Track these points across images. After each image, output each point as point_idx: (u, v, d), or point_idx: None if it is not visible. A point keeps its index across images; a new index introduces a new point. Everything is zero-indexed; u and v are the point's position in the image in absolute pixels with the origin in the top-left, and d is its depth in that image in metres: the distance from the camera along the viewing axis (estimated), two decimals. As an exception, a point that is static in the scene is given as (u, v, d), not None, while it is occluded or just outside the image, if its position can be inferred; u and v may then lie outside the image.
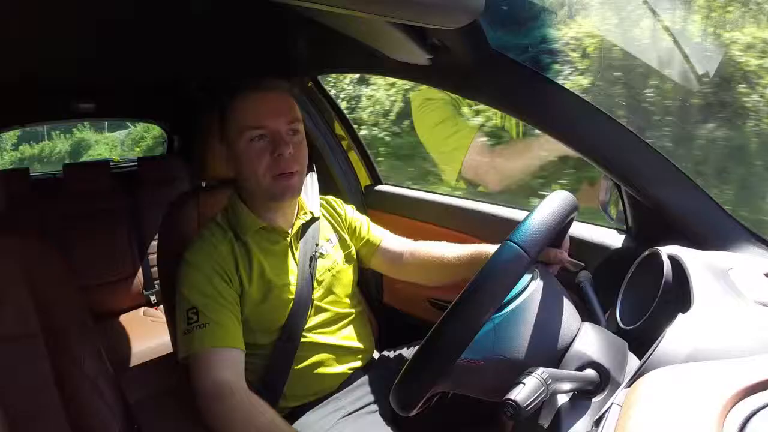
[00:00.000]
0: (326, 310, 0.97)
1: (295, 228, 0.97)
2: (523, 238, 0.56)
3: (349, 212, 1.12)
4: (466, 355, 0.55)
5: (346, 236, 1.08)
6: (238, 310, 0.88)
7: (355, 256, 1.08)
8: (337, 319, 0.98)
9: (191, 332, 0.82)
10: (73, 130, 11.08)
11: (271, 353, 0.91)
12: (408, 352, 1.06)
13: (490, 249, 0.93)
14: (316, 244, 0.99)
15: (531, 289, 0.61)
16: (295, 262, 0.95)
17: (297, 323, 0.92)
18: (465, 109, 1.56)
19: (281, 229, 0.95)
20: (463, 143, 1.52)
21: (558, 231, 0.61)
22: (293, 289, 0.93)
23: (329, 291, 0.98)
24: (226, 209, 0.97)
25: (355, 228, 1.10)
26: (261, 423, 0.78)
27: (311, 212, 1.00)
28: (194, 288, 0.85)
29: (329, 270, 0.99)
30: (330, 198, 1.14)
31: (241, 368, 0.84)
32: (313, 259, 0.97)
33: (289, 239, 0.96)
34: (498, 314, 0.58)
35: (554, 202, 0.62)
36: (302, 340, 0.92)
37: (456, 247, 1.02)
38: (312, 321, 0.94)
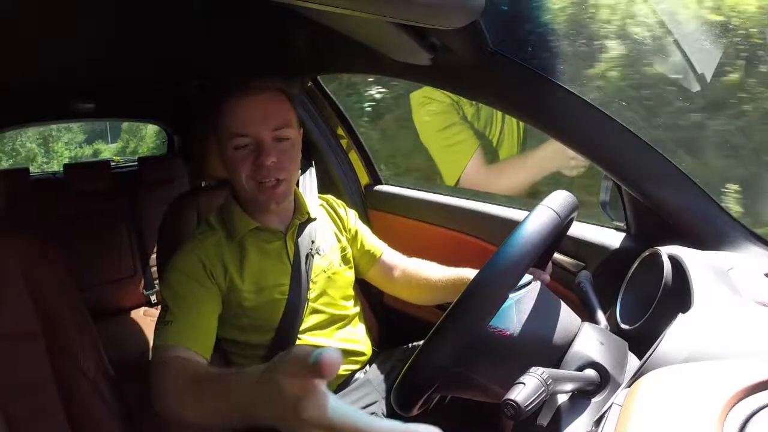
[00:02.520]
0: (321, 312, 0.96)
1: (291, 228, 0.97)
2: (554, 203, 0.59)
3: (352, 218, 1.12)
4: (494, 323, 0.56)
5: (345, 239, 1.08)
6: (212, 311, 0.86)
7: (351, 259, 1.08)
8: (332, 321, 0.98)
9: (158, 328, 0.82)
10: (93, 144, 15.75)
11: (266, 354, 0.91)
12: (408, 352, 1.06)
13: (473, 273, 0.94)
14: (312, 242, 0.98)
15: (534, 285, 0.62)
16: (290, 262, 0.95)
17: (291, 324, 0.92)
18: (468, 111, 1.55)
19: (275, 229, 0.95)
20: (466, 154, 1.52)
21: (567, 221, 0.63)
22: (286, 289, 0.92)
23: (323, 293, 0.98)
24: (221, 209, 0.97)
25: (357, 236, 1.10)
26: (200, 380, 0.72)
27: (308, 212, 1.00)
28: (171, 288, 0.86)
29: (324, 271, 0.99)
30: (331, 198, 1.13)
31: (193, 371, 0.79)
32: (309, 257, 0.96)
33: (283, 239, 0.96)
34: (515, 294, 0.59)
35: (565, 192, 0.65)
36: (297, 341, 0.92)
37: (442, 270, 1.02)
38: (307, 322, 0.94)
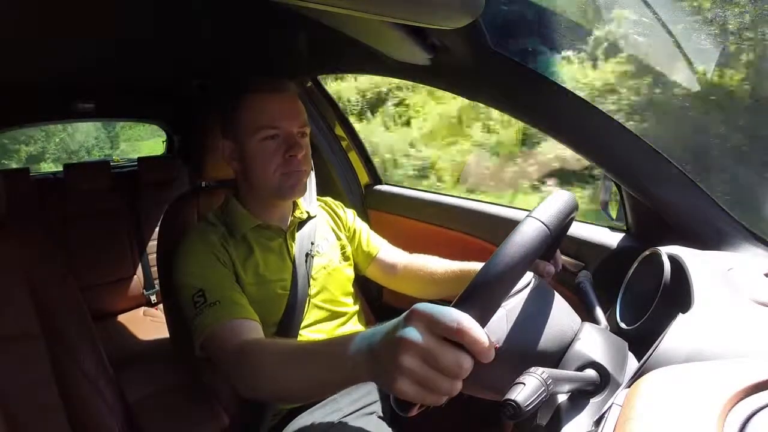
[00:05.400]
0: (322, 308, 0.97)
1: (291, 226, 0.98)
2: (543, 214, 0.57)
3: (350, 217, 1.13)
4: None
5: (344, 236, 1.08)
6: (240, 289, 0.87)
7: (351, 256, 1.08)
8: (333, 317, 0.99)
9: (201, 313, 0.79)
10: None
11: None
12: None
13: (477, 266, 0.93)
14: (312, 243, 0.99)
15: (534, 285, 0.62)
16: (290, 258, 0.96)
17: (293, 319, 0.92)
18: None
19: (276, 227, 0.96)
20: None
21: (567, 221, 0.62)
22: (288, 284, 0.93)
23: (324, 289, 0.99)
24: (221, 208, 0.97)
25: (355, 234, 1.10)
26: (289, 357, 0.65)
27: (307, 211, 1.01)
28: (194, 274, 0.85)
29: (324, 268, 1.00)
30: (329, 200, 1.14)
31: (261, 334, 0.79)
32: (308, 256, 0.97)
33: (284, 236, 0.97)
34: (507, 302, 0.58)
35: (565, 193, 0.63)
36: (299, 338, 0.92)
37: (445, 263, 1.02)
38: (308, 318, 0.95)
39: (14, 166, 7.55)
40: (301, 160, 0.90)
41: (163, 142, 2.60)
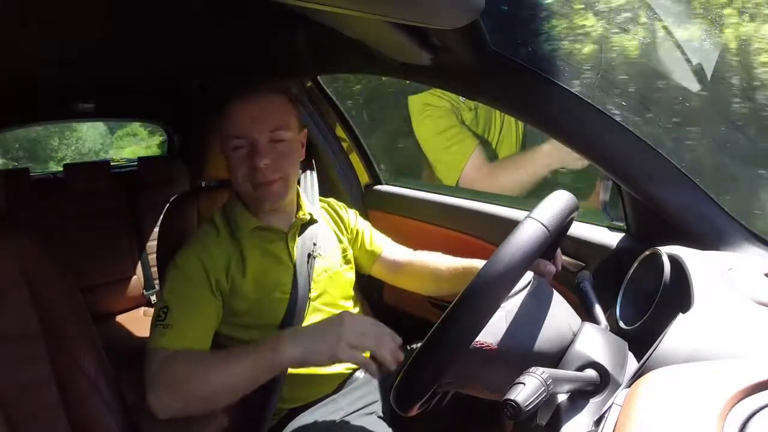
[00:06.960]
0: (322, 311, 0.97)
1: (293, 228, 0.97)
2: (542, 215, 0.57)
3: (352, 218, 1.12)
4: (481, 338, 0.56)
5: (346, 240, 1.08)
6: (212, 313, 0.87)
7: (352, 260, 1.08)
8: None
9: (156, 328, 0.82)
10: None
11: None
12: (408, 353, 1.06)
13: (481, 263, 0.94)
14: (314, 244, 0.99)
15: (534, 285, 0.62)
16: (292, 261, 0.95)
17: (293, 323, 0.92)
18: (467, 116, 1.54)
19: (277, 229, 0.96)
20: (465, 153, 1.51)
21: (567, 221, 0.62)
22: (288, 288, 0.93)
23: (325, 292, 0.98)
24: (225, 207, 0.98)
25: (358, 235, 1.10)
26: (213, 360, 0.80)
27: (310, 213, 1.00)
28: (171, 288, 0.87)
29: (326, 271, 0.99)
30: (332, 200, 1.14)
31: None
32: (310, 257, 0.97)
33: (285, 239, 0.96)
34: (506, 302, 0.59)
35: (564, 193, 0.63)
36: None
37: (449, 260, 1.02)
38: (308, 321, 0.94)
39: (52, 165, 9.23)
40: (264, 169, 0.87)
41: (161, 142, 2.60)
